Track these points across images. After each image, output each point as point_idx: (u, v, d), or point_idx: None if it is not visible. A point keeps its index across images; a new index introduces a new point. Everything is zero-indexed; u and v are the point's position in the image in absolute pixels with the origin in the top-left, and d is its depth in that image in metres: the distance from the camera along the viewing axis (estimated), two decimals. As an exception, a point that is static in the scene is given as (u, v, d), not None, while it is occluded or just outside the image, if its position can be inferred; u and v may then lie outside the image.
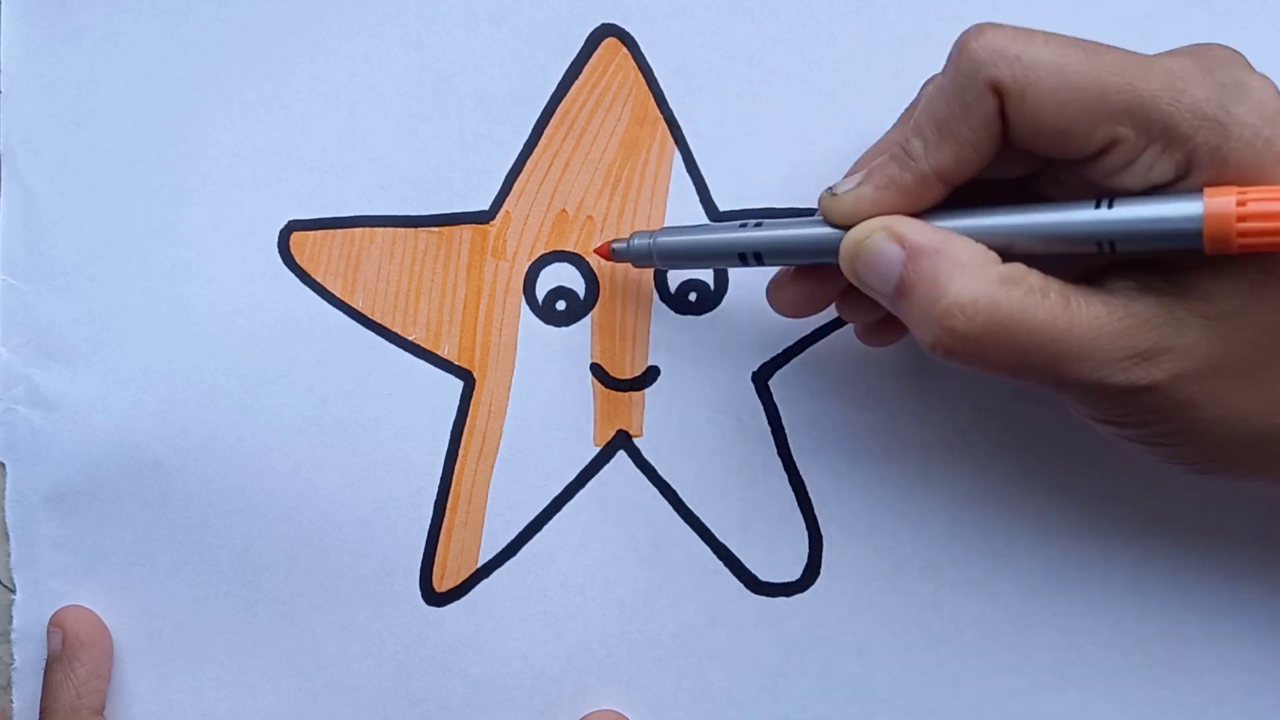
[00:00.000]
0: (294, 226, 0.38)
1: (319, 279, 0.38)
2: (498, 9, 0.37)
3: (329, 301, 0.38)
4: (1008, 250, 0.29)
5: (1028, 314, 0.27)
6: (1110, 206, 0.27)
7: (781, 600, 0.37)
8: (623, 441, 0.37)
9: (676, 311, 0.37)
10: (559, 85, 0.37)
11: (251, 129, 0.38)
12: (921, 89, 0.32)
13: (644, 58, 0.37)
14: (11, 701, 0.38)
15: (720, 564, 0.37)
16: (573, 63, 0.37)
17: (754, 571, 0.37)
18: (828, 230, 0.30)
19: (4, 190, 0.38)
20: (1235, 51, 0.28)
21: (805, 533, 0.37)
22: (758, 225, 0.32)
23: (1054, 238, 0.28)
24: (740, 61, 0.37)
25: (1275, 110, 0.26)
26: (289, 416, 0.37)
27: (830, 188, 0.30)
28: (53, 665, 0.36)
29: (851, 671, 0.36)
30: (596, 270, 0.37)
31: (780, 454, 0.37)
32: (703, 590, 0.37)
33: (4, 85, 0.38)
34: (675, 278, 0.37)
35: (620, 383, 0.37)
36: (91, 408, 0.37)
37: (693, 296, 0.37)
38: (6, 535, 0.38)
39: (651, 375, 0.37)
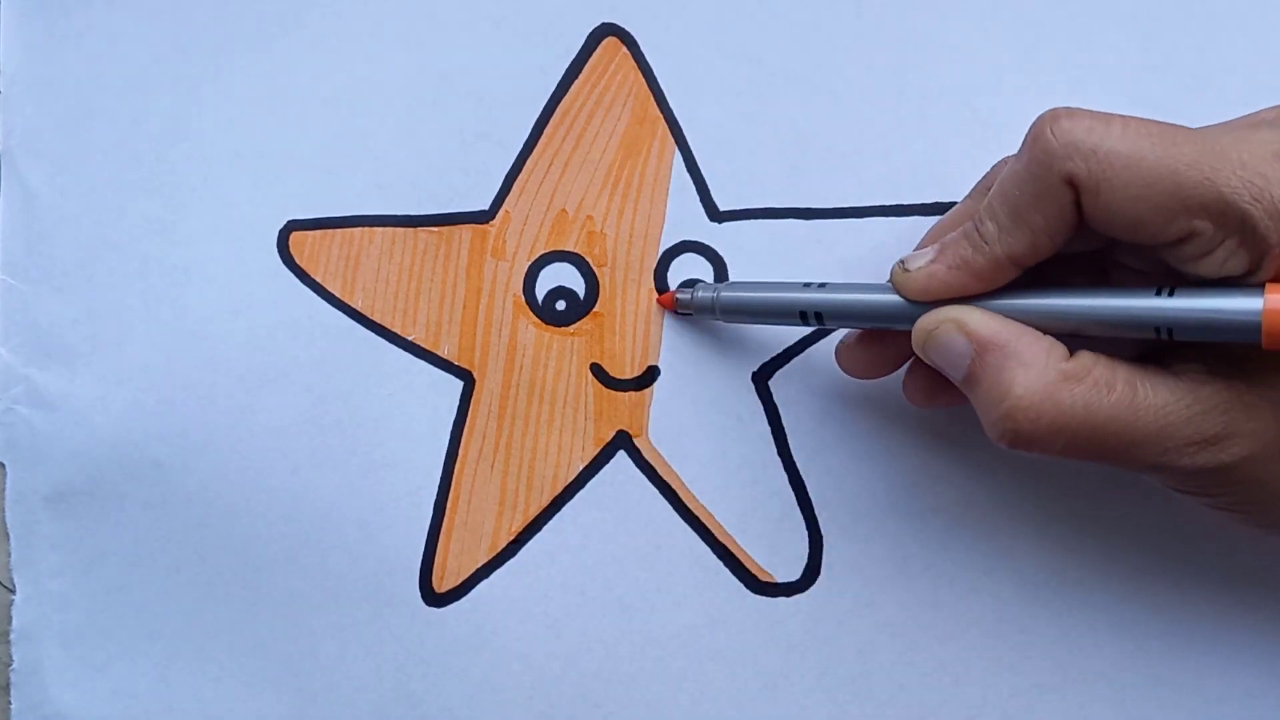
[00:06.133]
0: (293, 226, 0.38)
1: (318, 279, 0.38)
2: (498, 9, 0.37)
3: (328, 301, 0.37)
4: (1075, 333, 0.29)
5: (1091, 410, 0.28)
6: (1171, 294, 0.28)
7: (782, 600, 0.37)
8: (623, 441, 0.37)
9: (677, 311, 0.37)
10: (559, 85, 0.37)
11: (251, 129, 0.38)
12: (995, 166, 0.32)
13: (644, 57, 0.37)
14: (10, 702, 0.38)
15: (720, 564, 0.37)
16: (573, 62, 0.37)
17: (754, 572, 0.37)
18: (892, 299, 0.31)
19: (3, 190, 0.38)
20: None
21: (805, 533, 0.37)
22: (821, 286, 0.33)
23: (1115, 324, 0.28)
24: (740, 61, 0.37)
25: None
26: (289, 416, 0.37)
27: (902, 261, 0.31)
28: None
29: (852, 671, 0.36)
30: (596, 270, 0.37)
31: (780, 454, 0.37)
32: (703, 590, 0.37)
33: (3, 85, 0.38)
34: (675, 277, 0.37)
35: (620, 383, 0.37)
36: (91, 408, 0.37)
37: (693, 296, 0.37)
38: (6, 535, 0.38)
39: (651, 375, 0.37)
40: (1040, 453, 0.28)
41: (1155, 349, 0.29)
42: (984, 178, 0.33)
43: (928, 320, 0.30)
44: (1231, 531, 0.36)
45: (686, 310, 0.36)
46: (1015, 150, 0.33)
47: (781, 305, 0.33)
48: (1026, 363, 0.28)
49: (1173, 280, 0.28)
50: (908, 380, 0.34)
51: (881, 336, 0.33)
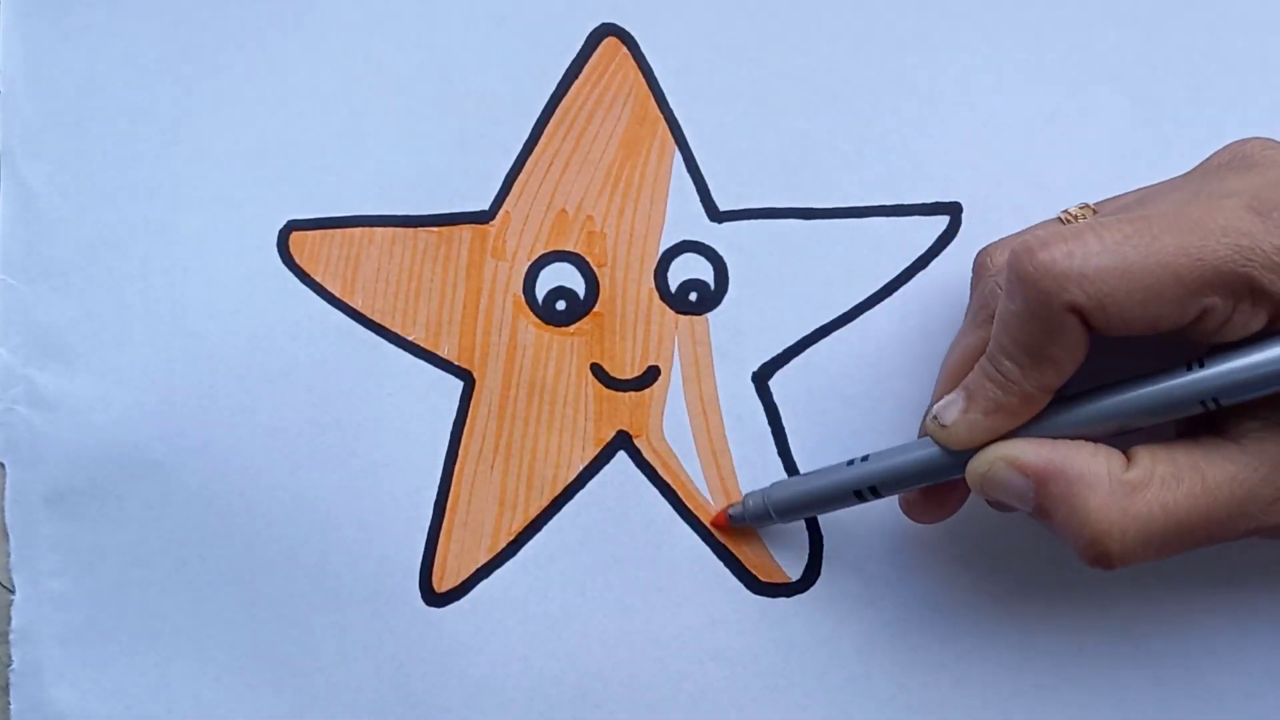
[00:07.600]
0: (293, 226, 0.38)
1: (318, 279, 0.38)
2: (498, 9, 0.37)
3: (328, 302, 0.37)
4: (1121, 430, 0.29)
5: (1169, 510, 0.28)
6: (1202, 366, 0.28)
7: (781, 600, 0.37)
8: (623, 441, 0.37)
9: (677, 311, 0.37)
10: (559, 85, 0.37)
11: (251, 129, 0.38)
12: (976, 276, 0.32)
13: (644, 58, 0.37)
14: (10, 702, 0.38)
15: (720, 564, 0.37)
16: (573, 62, 0.37)
17: (754, 572, 0.37)
18: (936, 454, 0.31)
19: (3, 190, 0.38)
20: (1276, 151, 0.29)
21: (805, 533, 0.37)
22: (864, 460, 0.33)
23: (1161, 410, 0.29)
24: (740, 61, 0.37)
25: None
26: (289, 416, 0.37)
27: (934, 416, 0.31)
28: None
29: (852, 672, 0.36)
30: (596, 270, 0.37)
31: (780, 454, 0.37)
32: (703, 590, 0.37)
33: (3, 85, 0.38)
34: (675, 277, 0.37)
35: (620, 383, 0.37)
36: (91, 408, 0.37)
37: (693, 296, 0.37)
38: (6, 535, 0.38)
39: (651, 375, 0.37)
40: (1137, 563, 0.29)
41: (1205, 420, 0.29)
42: (972, 298, 0.33)
43: (978, 464, 0.30)
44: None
45: (741, 523, 0.36)
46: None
47: (835, 491, 0.33)
48: (1090, 484, 0.28)
49: (1193, 351, 0.29)
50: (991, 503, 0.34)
51: (939, 487, 0.33)
